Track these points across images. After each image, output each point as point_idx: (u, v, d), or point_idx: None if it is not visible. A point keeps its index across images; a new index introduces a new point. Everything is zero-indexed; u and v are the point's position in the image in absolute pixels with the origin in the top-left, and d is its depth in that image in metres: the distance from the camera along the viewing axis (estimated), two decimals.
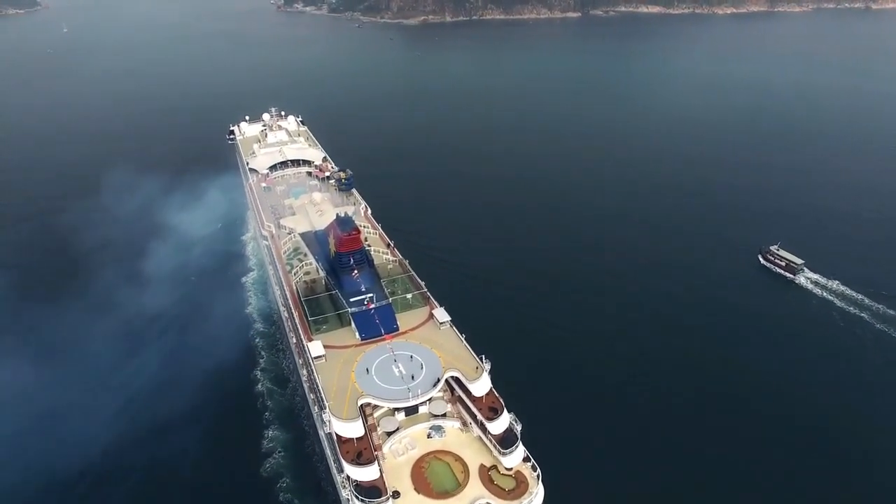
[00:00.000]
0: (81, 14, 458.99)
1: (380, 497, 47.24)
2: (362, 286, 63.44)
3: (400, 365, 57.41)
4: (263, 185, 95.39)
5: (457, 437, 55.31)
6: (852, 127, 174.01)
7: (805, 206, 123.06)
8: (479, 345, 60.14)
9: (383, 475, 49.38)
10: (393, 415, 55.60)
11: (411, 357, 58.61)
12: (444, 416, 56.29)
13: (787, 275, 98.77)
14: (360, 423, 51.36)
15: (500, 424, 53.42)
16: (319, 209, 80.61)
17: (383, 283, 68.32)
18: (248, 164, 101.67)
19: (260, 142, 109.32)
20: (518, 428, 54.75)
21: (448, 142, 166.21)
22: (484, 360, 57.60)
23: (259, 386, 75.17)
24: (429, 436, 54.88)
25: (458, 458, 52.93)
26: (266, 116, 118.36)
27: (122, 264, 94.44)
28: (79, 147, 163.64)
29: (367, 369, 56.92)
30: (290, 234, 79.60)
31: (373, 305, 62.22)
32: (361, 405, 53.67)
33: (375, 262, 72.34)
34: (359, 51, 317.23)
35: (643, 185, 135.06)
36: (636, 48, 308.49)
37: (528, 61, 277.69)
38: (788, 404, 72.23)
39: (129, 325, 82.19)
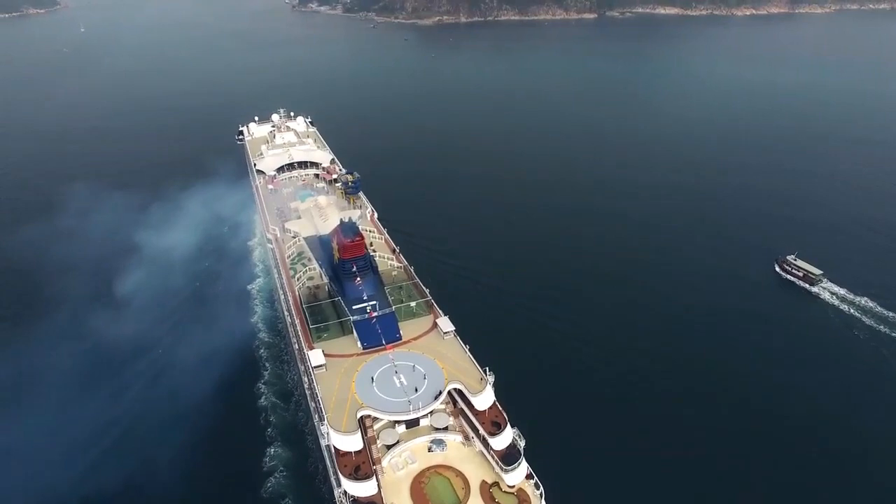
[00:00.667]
0: (99, 13, 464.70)
1: None
2: (365, 294, 62.17)
3: (401, 376, 55.99)
4: (270, 187, 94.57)
5: (458, 452, 53.82)
6: (876, 133, 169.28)
7: (824, 214, 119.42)
8: (484, 356, 58.52)
9: (381, 490, 48.07)
10: (393, 427, 54.19)
11: (414, 367, 57.18)
12: (445, 429, 54.85)
13: (805, 285, 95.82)
14: (358, 436, 50.04)
15: (502, 440, 51.86)
16: (324, 213, 79.45)
17: (387, 291, 67.08)
18: (255, 165, 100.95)
19: (268, 143, 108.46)
20: (521, 444, 53.19)
21: (461, 145, 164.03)
22: (488, 373, 56.12)
23: (262, 400, 72.78)
24: (430, 449, 53.46)
25: (459, 474, 51.45)
26: (275, 117, 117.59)
27: (121, 265, 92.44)
28: (82, 146, 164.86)
29: (369, 380, 55.65)
30: (294, 237, 78.59)
31: (375, 314, 60.94)
32: (361, 417, 52.41)
33: (380, 269, 71.13)
34: (372, 51, 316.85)
35: (657, 190, 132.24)
36: (653, 50, 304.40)
37: (543, 63, 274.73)
38: (806, 420, 69.75)
39: (126, 333, 79.13)
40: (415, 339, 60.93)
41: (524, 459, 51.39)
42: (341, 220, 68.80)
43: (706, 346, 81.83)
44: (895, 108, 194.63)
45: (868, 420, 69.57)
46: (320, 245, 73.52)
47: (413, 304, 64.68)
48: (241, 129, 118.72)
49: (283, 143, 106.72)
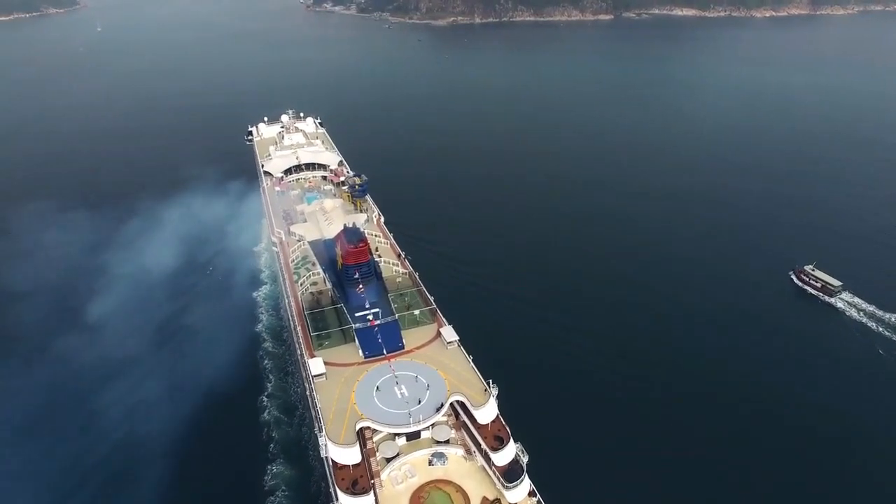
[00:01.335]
0: (117, 13, 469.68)
1: None
2: (367, 301, 60.99)
3: (403, 387, 54.74)
4: (277, 189, 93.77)
5: (459, 466, 52.41)
6: None
7: (846, 223, 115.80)
8: (488, 367, 57.09)
9: None
10: (393, 439, 52.88)
11: (416, 378, 55.95)
12: (447, 442, 53.44)
13: (823, 297, 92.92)
14: (357, 448, 48.83)
15: (505, 455, 50.39)
16: (329, 217, 78.34)
17: (391, 298, 65.93)
18: (262, 166, 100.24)
19: (276, 144, 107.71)
20: (525, 459, 51.71)
21: (473, 148, 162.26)
22: (491, 385, 54.64)
23: (265, 414, 70.12)
24: (430, 463, 52.11)
25: (460, 489, 50.05)
26: (284, 118, 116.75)
27: (120, 268, 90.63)
28: (90, 145, 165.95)
29: (370, 390, 54.45)
30: (299, 241, 77.70)
31: (377, 322, 59.74)
32: (361, 428, 51.22)
33: (384, 275, 70.01)
34: (385, 52, 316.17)
35: (673, 195, 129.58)
36: (670, 53, 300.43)
37: (558, 66, 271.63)
38: (824, 437, 67.41)
39: (122, 343, 76.72)
40: (418, 348, 59.71)
41: (527, 476, 49.91)
42: (345, 225, 67.67)
43: (719, 359, 79.26)
44: None
45: (893, 437, 66.82)
46: (325, 249, 72.44)
47: (417, 312, 63.46)
48: (250, 129, 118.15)
49: (291, 144, 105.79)
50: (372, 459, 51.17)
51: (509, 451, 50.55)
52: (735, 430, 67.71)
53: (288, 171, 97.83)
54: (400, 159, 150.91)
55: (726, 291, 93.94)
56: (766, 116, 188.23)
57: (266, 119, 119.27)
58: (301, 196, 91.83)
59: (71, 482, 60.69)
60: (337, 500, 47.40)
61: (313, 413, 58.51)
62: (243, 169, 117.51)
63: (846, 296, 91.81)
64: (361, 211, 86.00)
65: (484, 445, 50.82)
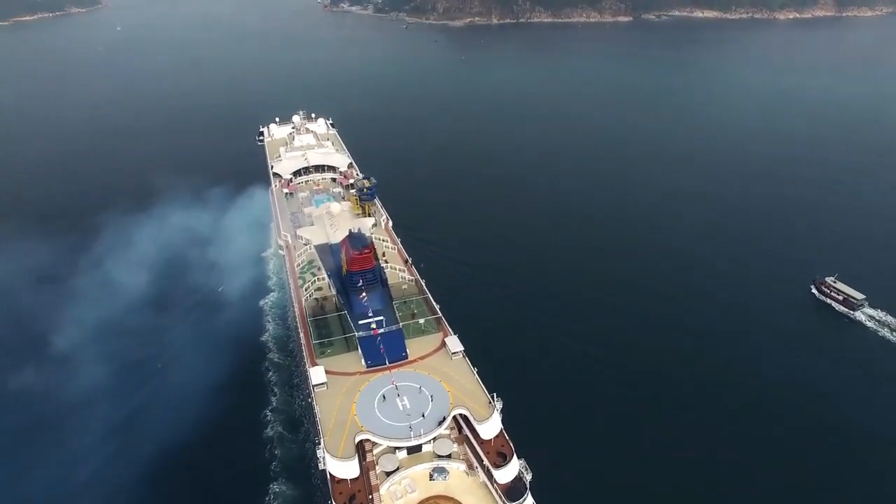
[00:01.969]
0: (138, 12, 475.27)
1: None
2: (371, 309, 59.83)
3: (405, 398, 53.50)
4: (286, 191, 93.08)
5: (461, 482, 51.03)
6: None
7: (870, 233, 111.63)
8: (493, 379, 55.65)
9: None
10: (394, 452, 51.58)
11: (420, 389, 54.74)
12: (448, 456, 52.06)
13: (845, 310, 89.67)
14: (355, 462, 47.72)
15: (508, 472, 49.01)
16: (336, 221, 77.18)
17: (396, 305, 64.80)
18: (272, 167, 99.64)
19: (287, 145, 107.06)
20: (528, 477, 50.35)
21: (488, 151, 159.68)
22: (496, 399, 53.23)
23: (269, 430, 66.80)
24: (431, 477, 50.85)
25: None
26: (296, 118, 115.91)
27: (120, 271, 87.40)
28: (104, 145, 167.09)
29: (371, 401, 53.26)
30: (306, 245, 76.81)
31: (380, 331, 58.55)
32: (361, 441, 50.05)
33: (390, 281, 68.92)
34: (401, 53, 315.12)
35: (689, 203, 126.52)
36: (690, 55, 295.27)
37: (576, 68, 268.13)
38: (844, 457, 64.67)
39: (118, 354, 74.01)
40: (421, 358, 58.47)
41: (530, 495, 48.56)
42: (350, 230, 66.50)
43: (736, 376, 76.01)
44: None
45: None
46: (330, 254, 71.40)
47: (422, 321, 62.19)
48: (261, 129, 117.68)
49: (301, 145, 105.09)
50: (371, 473, 49.94)
51: (512, 468, 49.31)
52: (751, 451, 65.04)
53: (297, 173, 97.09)
54: (412, 161, 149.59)
55: (744, 304, 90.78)
56: (788, 121, 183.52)
57: (277, 119, 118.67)
58: (310, 198, 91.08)
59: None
60: None
61: (314, 423, 57.56)
62: (255, 170, 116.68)
63: (869, 310, 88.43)
64: (369, 215, 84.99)
65: (486, 461, 49.43)
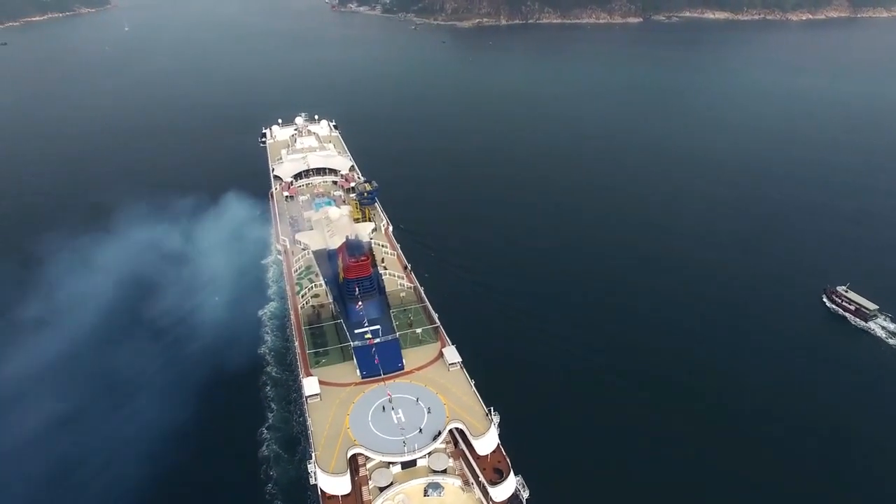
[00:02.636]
0: (146, 12, 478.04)
1: None
2: (366, 319, 58.53)
3: (400, 411, 52.24)
4: (286, 194, 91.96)
5: (456, 498, 49.56)
6: None
7: (883, 242, 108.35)
8: (491, 392, 54.12)
9: None
10: (387, 467, 50.17)
11: (417, 400, 53.54)
12: (444, 472, 50.59)
13: (857, 320, 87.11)
14: (347, 478, 46.54)
15: (504, 490, 47.69)
16: (335, 226, 75.79)
17: (394, 314, 63.57)
18: (273, 170, 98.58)
19: (289, 147, 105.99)
20: (525, 495, 49.07)
21: (495, 153, 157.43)
22: (493, 412, 51.74)
23: (264, 449, 63.23)
24: (426, 493, 49.39)
25: None
26: (298, 120, 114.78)
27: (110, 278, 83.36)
28: (108, 145, 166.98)
29: (365, 413, 52.02)
30: (304, 250, 75.65)
31: (376, 340, 57.23)
32: (353, 455, 48.75)
33: (389, 289, 67.72)
34: (408, 53, 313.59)
35: (698, 207, 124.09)
36: (700, 58, 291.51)
37: (586, 70, 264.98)
38: (859, 470, 62.57)
39: (106, 368, 71.18)
40: (418, 368, 57.19)
41: None
42: (347, 237, 65.23)
43: (743, 387, 73.93)
44: None
45: None
46: (328, 260, 70.20)
47: (419, 330, 60.83)
48: (264, 131, 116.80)
49: (303, 147, 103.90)
50: (364, 488, 48.48)
51: (509, 486, 48.05)
52: (760, 467, 63.02)
53: (298, 176, 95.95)
54: (417, 164, 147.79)
55: (751, 314, 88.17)
56: (800, 124, 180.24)
57: (280, 121, 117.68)
58: (310, 202, 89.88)
59: None
60: None
61: (307, 436, 56.29)
62: (257, 172, 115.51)
63: (883, 320, 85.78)
64: (370, 219, 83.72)
65: (482, 478, 48.03)
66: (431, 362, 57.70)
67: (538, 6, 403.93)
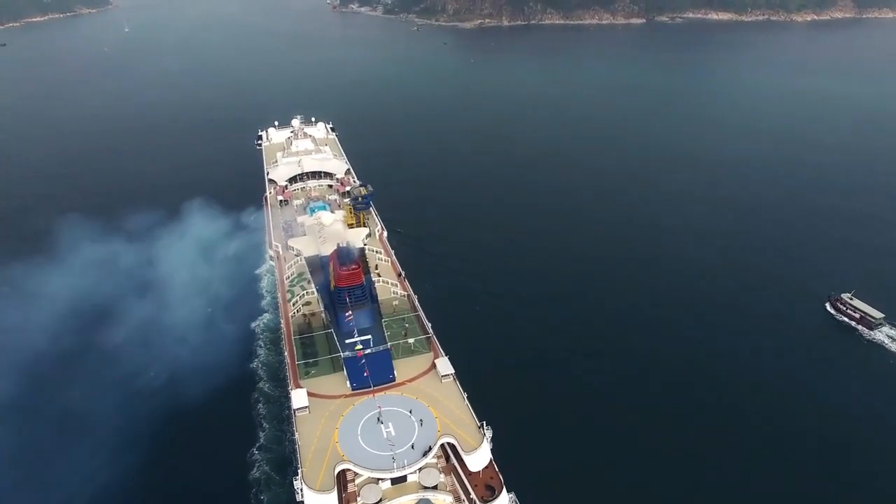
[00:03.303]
0: (147, 12, 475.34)
1: None
2: (356, 329, 57.01)
3: (390, 425, 50.73)
4: (280, 198, 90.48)
5: None
6: None
7: (889, 249, 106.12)
8: (484, 405, 52.59)
9: None
10: (377, 483, 48.65)
11: (407, 414, 51.95)
12: (435, 487, 49.00)
13: (862, 329, 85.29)
14: (334, 495, 45.13)
15: None
16: (326, 232, 74.11)
17: (386, 323, 62.14)
18: (268, 173, 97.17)
19: (284, 150, 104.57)
20: None
21: (495, 156, 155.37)
22: (486, 427, 50.26)
23: (255, 471, 59.95)
24: None
25: None
26: (295, 122, 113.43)
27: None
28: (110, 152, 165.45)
29: (354, 427, 50.55)
30: (297, 256, 74.20)
31: (368, 350, 55.74)
32: (342, 470, 47.29)
33: (381, 297, 66.34)
34: (408, 54, 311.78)
35: (700, 209, 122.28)
36: (704, 59, 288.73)
37: (588, 72, 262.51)
38: (865, 481, 60.92)
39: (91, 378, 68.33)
40: (410, 380, 55.71)
41: None
42: (338, 244, 63.70)
43: (742, 397, 72.17)
44: None
45: None
46: (320, 267, 68.77)
47: (412, 340, 59.34)
48: (260, 133, 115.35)
49: (299, 150, 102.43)
50: None
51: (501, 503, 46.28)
52: (763, 482, 61.28)
53: (293, 180, 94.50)
54: (415, 167, 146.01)
55: (753, 322, 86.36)
56: (804, 127, 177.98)
57: (277, 123, 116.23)
58: (304, 206, 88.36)
59: None
60: None
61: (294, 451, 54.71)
62: (253, 175, 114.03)
63: (889, 329, 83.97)
64: (364, 224, 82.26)
65: (473, 495, 46.60)
66: (424, 374, 56.24)
67: (540, 7, 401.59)
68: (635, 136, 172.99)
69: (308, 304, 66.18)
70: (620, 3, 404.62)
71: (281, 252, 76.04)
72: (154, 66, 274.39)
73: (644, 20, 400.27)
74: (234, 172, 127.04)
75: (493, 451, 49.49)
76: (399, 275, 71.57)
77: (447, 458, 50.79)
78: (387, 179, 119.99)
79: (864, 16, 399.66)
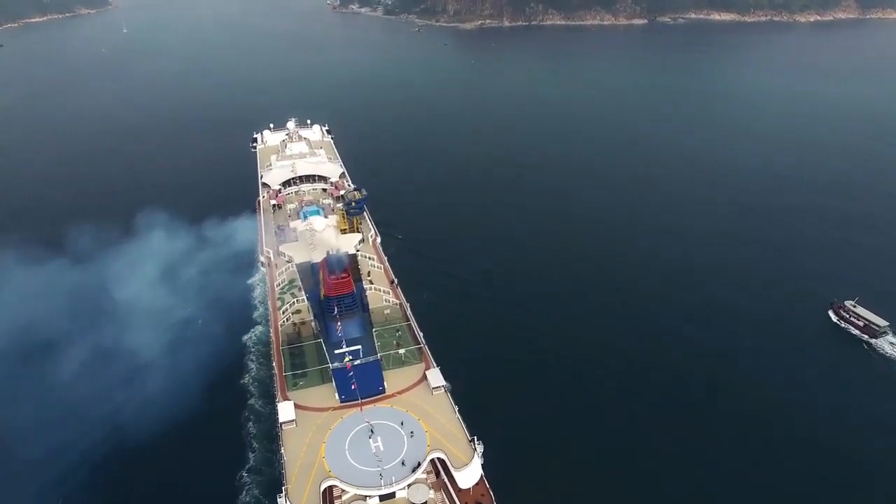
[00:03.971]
0: (146, 13, 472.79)
1: None
2: (345, 340, 55.58)
3: (378, 438, 49.29)
4: (273, 202, 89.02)
5: None
6: None
7: (893, 255, 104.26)
8: (475, 416, 51.17)
9: None
10: (364, 500, 47.20)
11: (397, 427, 50.56)
12: None
13: (865, 337, 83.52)
14: None
15: None
16: (317, 238, 72.65)
17: (377, 333, 60.62)
18: (261, 177, 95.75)
19: (279, 152, 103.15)
20: None
21: (494, 161, 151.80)
22: (477, 441, 48.79)
23: (244, 495, 56.96)
24: None
25: None
26: (290, 124, 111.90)
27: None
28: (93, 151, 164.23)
29: (342, 441, 49.15)
30: (288, 262, 72.76)
31: (356, 362, 54.30)
32: (328, 487, 45.86)
33: (373, 305, 64.92)
34: (408, 55, 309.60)
35: (700, 212, 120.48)
36: (706, 61, 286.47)
37: (590, 73, 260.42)
38: (869, 494, 59.45)
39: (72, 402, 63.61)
40: (400, 392, 54.26)
41: None
42: (328, 251, 62.25)
43: (742, 405, 70.50)
44: None
45: None
46: (311, 274, 67.34)
47: (402, 351, 57.83)
48: (255, 135, 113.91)
49: (293, 153, 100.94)
50: None
51: None
52: (765, 493, 59.71)
53: (286, 184, 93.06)
54: (412, 170, 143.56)
55: (754, 330, 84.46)
56: (808, 129, 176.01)
57: (272, 125, 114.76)
58: (298, 211, 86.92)
59: None
60: None
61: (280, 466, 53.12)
62: (251, 179, 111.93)
63: (893, 337, 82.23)
64: (357, 229, 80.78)
65: None
66: (414, 385, 54.82)
67: (541, 7, 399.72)
68: (636, 137, 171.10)
69: (298, 312, 64.77)
70: (622, 3, 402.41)
71: (272, 258, 74.53)
72: (152, 68, 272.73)
73: (646, 21, 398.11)
74: (230, 176, 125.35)
75: (484, 466, 48.03)
76: (392, 282, 70.05)
77: (437, 474, 49.36)
78: (384, 183, 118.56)
79: (867, 16, 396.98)
